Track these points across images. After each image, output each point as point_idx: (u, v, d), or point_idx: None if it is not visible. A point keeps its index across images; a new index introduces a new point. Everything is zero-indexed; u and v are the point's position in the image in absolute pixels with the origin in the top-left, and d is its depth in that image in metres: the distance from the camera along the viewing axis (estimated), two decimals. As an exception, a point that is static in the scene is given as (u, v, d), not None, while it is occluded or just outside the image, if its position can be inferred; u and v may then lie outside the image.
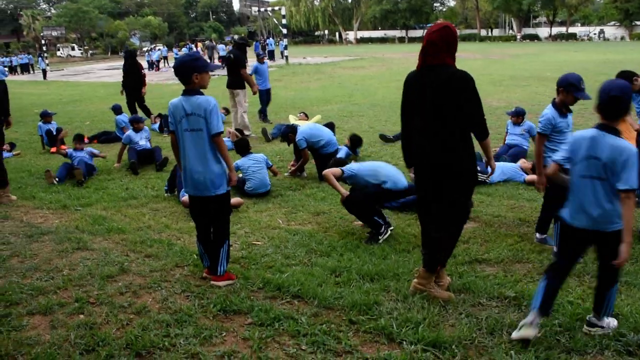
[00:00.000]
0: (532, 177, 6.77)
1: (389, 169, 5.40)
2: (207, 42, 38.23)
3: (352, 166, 5.39)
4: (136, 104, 12.40)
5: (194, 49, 40.37)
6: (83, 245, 5.12)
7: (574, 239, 3.29)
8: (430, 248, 3.85)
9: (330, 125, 9.21)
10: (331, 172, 5.26)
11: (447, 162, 3.64)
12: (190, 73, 3.96)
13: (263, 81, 12.56)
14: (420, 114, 3.71)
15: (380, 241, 5.03)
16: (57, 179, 7.56)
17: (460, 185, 3.72)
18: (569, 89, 4.45)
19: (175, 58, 40.69)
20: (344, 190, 5.29)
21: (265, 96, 12.68)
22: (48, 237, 5.37)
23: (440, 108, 3.58)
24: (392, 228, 5.20)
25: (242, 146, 7.04)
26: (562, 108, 4.54)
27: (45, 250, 5.04)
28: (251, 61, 12.75)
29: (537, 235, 4.94)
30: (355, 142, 8.34)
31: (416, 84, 3.73)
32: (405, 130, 3.95)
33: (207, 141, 3.98)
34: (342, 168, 5.31)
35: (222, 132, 4.01)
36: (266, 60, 13.37)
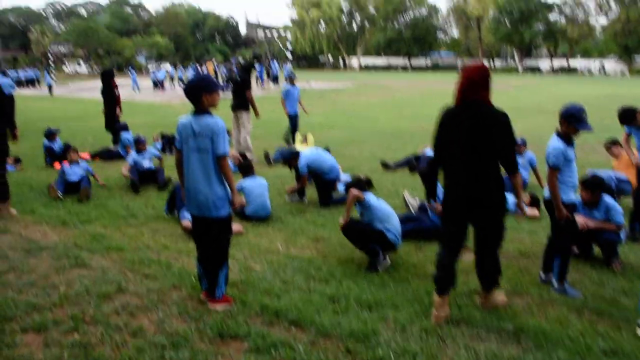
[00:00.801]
0: (534, 212, 6.75)
1: (397, 222, 5.34)
2: (230, 62, 38.44)
3: (373, 198, 5.32)
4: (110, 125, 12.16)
5: (200, 70, 40.66)
6: (81, 262, 5.10)
7: None
8: (486, 275, 4.17)
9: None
10: (357, 194, 5.16)
11: (479, 195, 3.88)
12: (200, 93, 3.99)
13: (292, 105, 12.33)
14: (458, 147, 3.88)
15: (380, 270, 5.02)
16: (60, 193, 7.56)
17: (490, 215, 3.97)
18: (571, 121, 4.40)
19: (180, 78, 41.13)
20: (348, 216, 5.26)
21: (294, 120, 12.45)
22: (46, 253, 5.36)
23: (478, 143, 3.80)
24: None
25: (246, 168, 7.07)
26: (567, 138, 4.46)
27: (43, 266, 5.02)
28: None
29: (556, 285, 4.66)
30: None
31: (454, 119, 3.91)
32: (437, 163, 4.10)
33: (213, 162, 4.00)
34: (365, 194, 5.26)
35: (227, 155, 4.02)
36: (297, 84, 12.89)
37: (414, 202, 7.02)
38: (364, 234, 5.17)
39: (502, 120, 3.80)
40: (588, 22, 69.26)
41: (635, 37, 62.63)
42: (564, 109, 4.49)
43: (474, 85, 3.83)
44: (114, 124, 12.03)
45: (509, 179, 4.03)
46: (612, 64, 68.17)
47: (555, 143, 4.44)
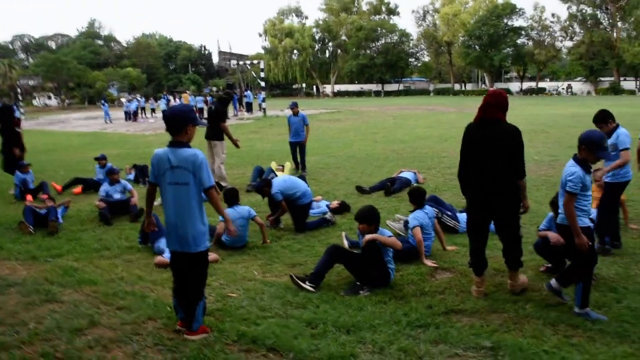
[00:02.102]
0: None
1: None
2: (205, 92, 38.48)
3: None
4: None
5: (172, 102, 40.59)
6: (52, 297, 4.97)
7: None
8: (509, 254, 4.92)
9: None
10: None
11: (495, 191, 4.69)
12: (186, 123, 3.95)
13: (292, 134, 12.44)
14: (479, 155, 4.72)
15: (360, 295, 5.00)
16: (31, 228, 7.41)
17: (507, 205, 4.74)
18: (592, 149, 4.35)
19: (152, 108, 40.94)
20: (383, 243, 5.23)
21: (294, 147, 12.49)
22: (15, 289, 5.21)
23: (494, 152, 4.62)
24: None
25: (231, 196, 6.86)
26: (585, 165, 4.39)
27: (11, 303, 4.87)
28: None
29: (554, 283, 4.65)
30: (344, 208, 8.36)
31: (476, 133, 4.77)
32: (463, 168, 4.92)
33: (193, 196, 3.94)
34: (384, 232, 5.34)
35: (214, 186, 3.99)
36: (301, 112, 12.68)
37: (400, 225, 7.06)
38: (381, 262, 5.17)
39: (514, 134, 4.60)
40: (554, 45, 71.32)
41: (600, 59, 64.67)
42: (585, 135, 4.41)
43: (492, 107, 4.66)
44: (14, 165, 10.50)
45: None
46: (579, 85, 70.22)
47: (574, 169, 4.35)
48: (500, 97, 4.70)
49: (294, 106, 12.65)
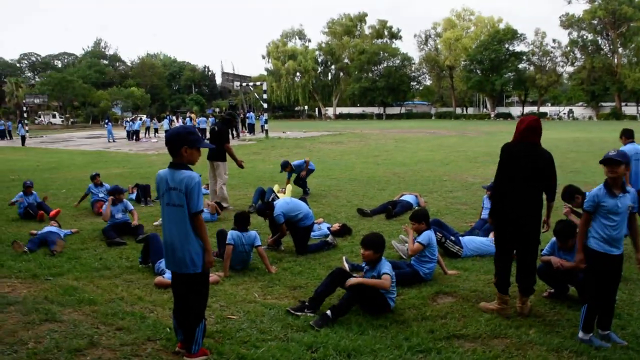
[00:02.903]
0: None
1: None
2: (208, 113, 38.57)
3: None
4: None
5: (175, 122, 40.84)
6: (51, 316, 4.94)
7: None
8: (524, 280, 5.01)
9: None
10: (387, 285, 5.08)
11: (526, 213, 4.88)
12: (181, 145, 3.92)
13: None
14: (513, 176, 4.91)
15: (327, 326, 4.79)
16: (27, 248, 7.39)
17: (534, 228, 4.93)
18: (604, 163, 4.33)
19: (156, 128, 41.20)
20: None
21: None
22: (14, 308, 5.17)
23: (528, 174, 4.85)
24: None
25: (242, 220, 6.70)
26: (613, 188, 4.32)
27: (10, 321, 4.84)
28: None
29: (581, 334, 4.43)
30: (346, 230, 8.33)
31: (512, 153, 4.98)
32: (499, 188, 5.06)
33: (188, 218, 3.92)
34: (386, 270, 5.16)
35: (201, 211, 3.95)
36: (293, 162, 12.33)
37: (403, 247, 7.03)
38: (375, 294, 5.03)
39: (548, 158, 4.88)
40: (555, 70, 71.88)
41: (601, 85, 65.18)
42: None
43: (529, 131, 4.93)
44: None
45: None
46: (580, 110, 70.66)
47: (595, 188, 4.42)
48: (536, 123, 5.00)
49: (285, 166, 12.17)
